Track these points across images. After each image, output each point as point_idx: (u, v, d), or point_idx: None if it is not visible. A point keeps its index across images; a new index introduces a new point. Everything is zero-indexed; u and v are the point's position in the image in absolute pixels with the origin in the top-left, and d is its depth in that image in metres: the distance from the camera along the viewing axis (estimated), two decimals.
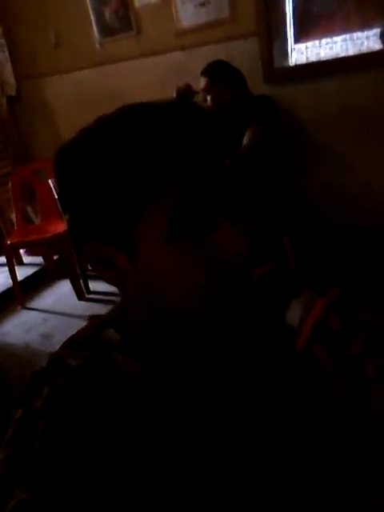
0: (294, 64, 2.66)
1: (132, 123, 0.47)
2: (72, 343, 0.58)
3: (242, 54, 2.55)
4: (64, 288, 3.16)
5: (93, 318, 0.61)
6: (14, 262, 3.13)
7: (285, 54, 2.66)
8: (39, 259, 3.52)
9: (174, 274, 0.47)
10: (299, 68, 2.61)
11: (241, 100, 2.40)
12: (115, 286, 0.54)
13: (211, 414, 0.53)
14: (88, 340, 0.56)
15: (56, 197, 2.88)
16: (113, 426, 0.49)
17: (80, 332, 0.60)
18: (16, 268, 3.15)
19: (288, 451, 0.55)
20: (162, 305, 0.50)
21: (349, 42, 2.53)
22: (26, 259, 3.61)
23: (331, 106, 2.53)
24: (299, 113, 2.61)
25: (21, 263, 3.55)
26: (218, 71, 2.38)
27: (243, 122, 2.36)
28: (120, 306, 0.58)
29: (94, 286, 3.05)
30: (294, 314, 0.46)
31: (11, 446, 0.48)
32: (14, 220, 3.27)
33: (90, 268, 3.19)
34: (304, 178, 2.72)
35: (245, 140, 2.35)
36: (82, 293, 3.03)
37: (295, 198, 2.66)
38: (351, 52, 2.49)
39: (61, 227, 2.92)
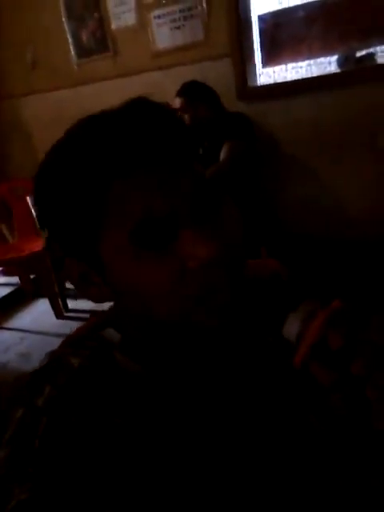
0: (264, 83, 2.76)
1: (82, 135, 0.45)
2: (72, 342, 0.58)
3: (216, 74, 2.63)
4: (41, 307, 3.11)
5: (93, 316, 0.60)
6: None
7: (257, 74, 2.76)
8: (15, 279, 3.47)
9: (143, 287, 0.45)
10: (271, 87, 2.71)
11: (216, 117, 2.47)
12: (100, 302, 0.52)
13: (210, 416, 0.52)
14: (88, 339, 0.56)
15: (34, 214, 2.88)
16: (114, 427, 0.49)
17: (79, 330, 0.60)
18: None
19: (290, 451, 0.54)
20: (144, 314, 0.49)
21: (313, 67, 2.66)
22: (2, 279, 3.55)
23: (303, 122, 2.62)
24: (273, 129, 2.69)
25: None
26: (193, 91, 2.45)
27: (219, 138, 2.42)
28: (120, 313, 0.57)
29: (73, 304, 3.02)
30: (291, 329, 0.45)
31: (11, 445, 0.47)
32: None
33: (68, 286, 3.16)
34: (279, 192, 2.78)
35: (222, 155, 2.41)
36: (60, 311, 2.98)
37: (270, 211, 2.72)
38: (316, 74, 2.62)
39: (38, 245, 2.89)
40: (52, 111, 3.20)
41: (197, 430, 0.51)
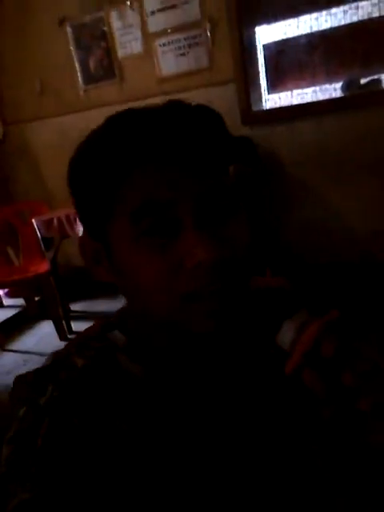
0: (269, 108, 2.81)
1: (115, 125, 0.48)
2: (78, 342, 0.58)
3: (221, 99, 2.68)
4: (45, 329, 3.10)
5: (101, 319, 0.61)
6: None
7: (261, 99, 2.81)
8: (20, 301, 3.47)
9: (140, 275, 0.47)
10: (275, 111, 2.76)
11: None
12: (105, 280, 0.54)
13: (205, 420, 0.53)
14: (94, 340, 0.56)
15: (39, 237, 2.90)
16: (115, 427, 0.49)
17: (86, 332, 0.60)
18: None
19: (282, 456, 0.54)
20: (141, 305, 0.50)
21: (318, 93, 2.71)
22: (7, 301, 3.55)
23: (307, 145, 2.65)
24: (277, 152, 2.73)
25: (1, 306, 3.49)
26: None
27: None
28: (126, 311, 0.58)
29: (77, 326, 3.00)
30: (285, 336, 0.45)
31: (14, 443, 0.47)
32: None
33: (72, 308, 3.16)
34: (283, 214, 2.80)
35: None
36: (64, 333, 2.97)
37: (274, 232, 2.73)
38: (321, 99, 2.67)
39: (43, 267, 2.91)
40: (58, 136, 3.26)
41: (192, 434, 0.51)
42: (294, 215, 2.80)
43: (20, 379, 0.55)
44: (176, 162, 0.45)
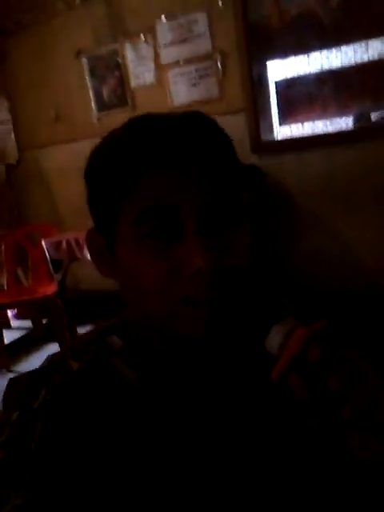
0: (279, 139, 2.86)
1: (122, 131, 0.50)
2: (75, 345, 0.59)
3: (231, 128, 2.67)
4: (52, 351, 3.10)
5: (100, 323, 0.61)
6: (0, 324, 3.10)
7: (271, 129, 2.86)
8: (28, 323, 3.48)
9: (140, 275, 0.47)
10: (285, 141, 2.80)
11: None
12: (108, 277, 0.55)
13: (198, 427, 0.52)
14: (91, 343, 0.56)
15: (48, 259, 2.94)
16: (107, 432, 0.49)
17: (86, 335, 0.61)
18: (4, 331, 3.11)
19: (275, 462, 0.54)
20: (139, 306, 0.51)
21: (329, 126, 2.75)
22: (15, 323, 3.57)
23: (316, 175, 2.68)
24: (286, 182, 2.76)
25: (9, 327, 3.50)
26: None
27: None
28: (126, 314, 0.58)
29: None
30: (273, 341, 0.45)
31: (6, 448, 0.47)
32: (5, 282, 3.28)
33: (79, 331, 3.16)
34: (290, 243, 2.81)
35: None
36: None
37: (282, 261, 2.74)
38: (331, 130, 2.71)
39: (51, 289, 2.93)
40: (71, 161, 3.33)
41: (182, 441, 0.51)
42: (301, 245, 2.80)
43: (14, 382, 0.55)
44: (183, 169, 0.46)
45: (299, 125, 2.82)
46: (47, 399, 0.50)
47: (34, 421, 0.49)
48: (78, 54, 3.11)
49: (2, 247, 3.23)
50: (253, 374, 0.55)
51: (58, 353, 0.58)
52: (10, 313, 3.53)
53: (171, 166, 0.46)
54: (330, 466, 0.52)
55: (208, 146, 0.48)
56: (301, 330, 0.43)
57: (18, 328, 3.48)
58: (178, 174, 0.46)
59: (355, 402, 0.40)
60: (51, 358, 0.57)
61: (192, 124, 0.49)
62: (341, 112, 2.71)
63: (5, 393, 0.54)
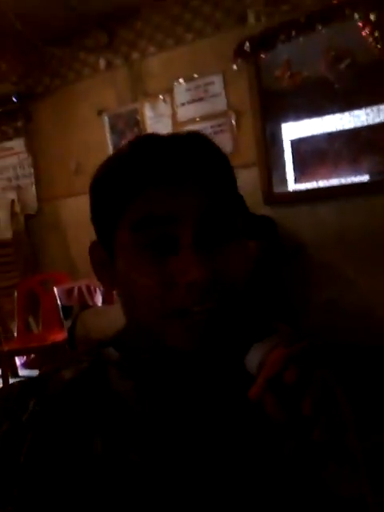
0: (291, 190, 2.92)
1: (123, 150, 0.52)
2: (70, 356, 0.58)
3: (244, 180, 2.79)
4: None
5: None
6: (8, 373, 3.05)
7: (284, 182, 2.93)
8: (35, 373, 3.42)
9: (136, 285, 0.48)
10: (296, 193, 2.86)
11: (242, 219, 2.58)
12: (108, 287, 0.55)
13: (184, 443, 0.50)
14: (86, 354, 0.56)
15: (59, 306, 2.94)
16: (98, 444, 0.48)
17: (82, 348, 0.60)
18: (10, 380, 3.05)
19: (250, 482, 0.51)
20: (134, 316, 0.51)
21: (342, 182, 2.80)
22: (22, 372, 3.51)
23: (329, 227, 2.70)
24: (299, 232, 2.78)
25: (16, 375, 3.44)
26: None
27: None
28: (124, 327, 0.59)
29: None
30: (252, 359, 0.45)
31: None
32: (15, 329, 3.27)
33: None
34: (302, 293, 2.77)
35: None
36: None
37: (294, 312, 2.69)
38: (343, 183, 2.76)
39: (60, 336, 2.91)
40: (87, 212, 3.37)
41: (167, 453, 0.49)
42: (314, 295, 2.77)
43: (5, 391, 0.55)
44: (180, 184, 0.48)
45: (314, 182, 2.88)
46: (36, 410, 0.50)
47: (23, 434, 0.48)
48: (100, 112, 3.30)
49: (15, 294, 3.26)
50: (234, 391, 0.53)
51: (53, 364, 0.58)
52: (18, 361, 3.49)
53: (169, 182, 0.48)
54: (307, 489, 0.49)
55: (205, 164, 0.50)
56: (279, 349, 0.43)
57: (25, 377, 3.41)
58: (174, 187, 0.48)
59: (325, 425, 0.39)
60: (45, 368, 0.56)
61: (191, 143, 0.51)
62: (354, 169, 2.76)
63: (2, 401, 0.53)
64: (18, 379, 3.37)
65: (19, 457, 0.47)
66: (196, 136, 0.52)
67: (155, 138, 0.52)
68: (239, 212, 0.52)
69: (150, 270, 0.47)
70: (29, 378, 0.55)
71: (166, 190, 0.47)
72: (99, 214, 0.53)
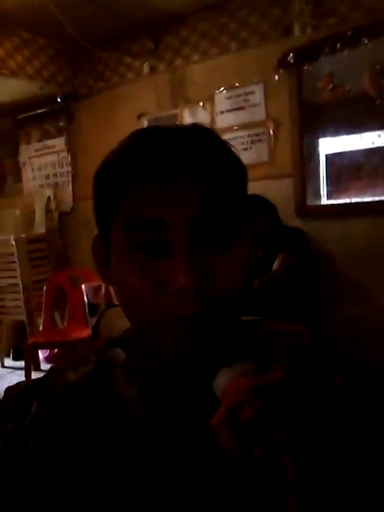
0: (324, 204, 2.88)
1: (121, 144, 0.49)
2: (77, 356, 0.58)
3: (278, 191, 2.79)
4: None
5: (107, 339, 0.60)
6: (31, 366, 3.10)
7: (317, 196, 2.89)
8: None
9: (127, 286, 0.46)
10: (329, 207, 2.82)
11: (273, 229, 2.56)
12: (107, 284, 0.55)
13: (195, 452, 0.48)
14: (93, 355, 0.55)
15: (86, 303, 2.98)
16: (101, 450, 0.47)
17: (90, 348, 0.59)
18: (32, 373, 3.10)
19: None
20: (128, 316, 0.49)
21: (376, 199, 2.74)
22: (44, 366, 3.56)
23: (360, 244, 2.64)
24: (328, 247, 2.73)
25: (38, 369, 3.49)
26: (252, 204, 2.59)
27: (275, 249, 2.48)
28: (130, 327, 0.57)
29: None
30: (218, 385, 0.43)
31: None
32: (41, 323, 3.33)
33: None
34: (327, 307, 2.72)
35: (275, 265, 2.45)
36: None
37: (317, 325, 2.63)
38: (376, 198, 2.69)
39: (85, 333, 2.94)
40: None
41: (170, 461, 0.47)
42: (339, 311, 2.71)
43: (10, 391, 0.54)
44: (174, 182, 0.45)
45: (347, 199, 2.83)
46: (39, 413, 0.49)
47: (27, 436, 0.48)
48: (140, 116, 3.35)
49: (44, 289, 3.32)
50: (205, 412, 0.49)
51: (60, 364, 0.58)
52: (41, 355, 3.54)
53: (162, 178, 0.45)
54: None
55: (205, 157, 0.46)
56: (241, 380, 0.41)
57: (47, 370, 3.46)
58: (166, 186, 0.45)
59: (269, 479, 0.38)
60: (50, 370, 0.56)
61: (192, 136, 0.47)
62: None
63: (2, 401, 0.54)
64: (39, 373, 3.42)
65: (23, 460, 0.47)
66: (199, 129, 0.49)
67: (156, 130, 0.49)
68: (243, 211, 0.49)
69: (140, 272, 0.45)
70: (33, 379, 0.55)
71: (156, 190, 0.45)
72: (98, 209, 0.51)
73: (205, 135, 0.48)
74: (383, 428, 0.53)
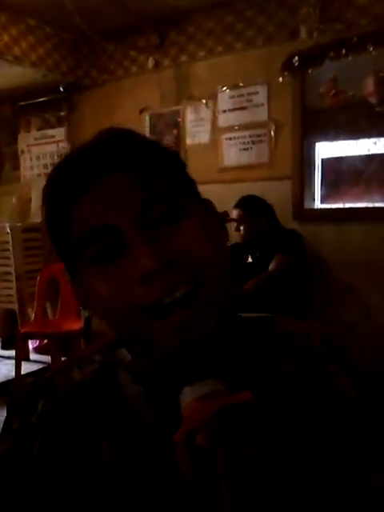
0: (321, 207, 2.90)
1: (57, 166, 0.49)
2: (83, 354, 0.58)
3: (276, 192, 2.81)
4: None
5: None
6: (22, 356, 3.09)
7: (314, 199, 2.91)
8: (47, 358, 3.46)
9: (98, 303, 0.45)
10: (326, 211, 2.84)
11: (270, 231, 2.57)
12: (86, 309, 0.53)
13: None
14: (98, 354, 0.55)
15: None
16: (106, 450, 0.47)
17: (95, 345, 0.59)
18: (22, 363, 3.09)
19: None
20: (120, 333, 0.49)
21: (370, 204, 2.77)
22: (34, 357, 3.55)
23: (355, 247, 2.67)
24: (324, 250, 2.75)
25: (27, 359, 3.48)
26: (250, 204, 2.60)
27: (271, 250, 2.50)
28: None
29: None
30: (182, 402, 0.41)
31: (6, 461, 0.48)
32: (32, 314, 3.31)
33: None
34: (321, 311, 2.74)
35: (271, 266, 2.46)
36: None
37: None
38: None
39: (76, 325, 2.93)
40: None
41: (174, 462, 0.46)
42: (333, 315, 2.73)
43: (17, 388, 0.54)
44: (105, 188, 0.44)
45: (341, 204, 2.85)
46: (45, 411, 0.49)
47: (32, 435, 0.48)
48: (142, 110, 3.35)
49: (38, 279, 3.30)
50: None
51: (64, 362, 0.58)
52: (31, 345, 3.53)
53: (91, 190, 0.45)
54: None
55: (123, 157, 0.46)
56: (199, 404, 0.39)
57: (36, 361, 3.45)
58: (97, 194, 0.44)
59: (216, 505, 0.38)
60: (56, 367, 0.56)
61: (106, 140, 0.48)
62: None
63: (9, 398, 0.54)
64: (29, 363, 3.41)
65: (29, 458, 0.47)
66: (113, 130, 0.49)
67: (72, 153, 0.49)
68: (184, 192, 0.48)
69: (106, 280, 0.44)
70: (39, 376, 0.54)
71: (92, 200, 0.44)
72: (57, 250, 0.49)
73: (120, 134, 0.48)
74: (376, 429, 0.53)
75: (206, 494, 0.39)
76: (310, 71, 2.74)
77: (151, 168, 0.46)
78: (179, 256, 0.42)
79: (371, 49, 2.48)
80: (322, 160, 2.92)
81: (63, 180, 0.46)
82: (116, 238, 0.44)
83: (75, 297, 0.51)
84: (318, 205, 2.93)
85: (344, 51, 2.53)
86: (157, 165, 0.47)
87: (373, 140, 2.74)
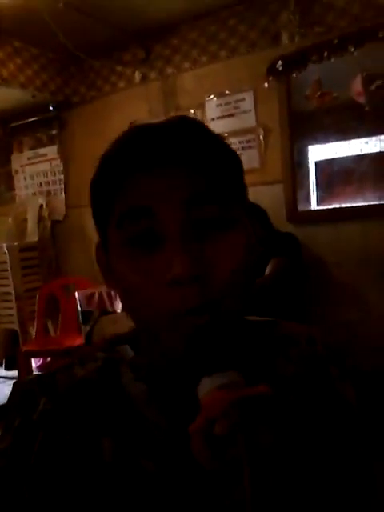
0: (316, 209, 2.91)
1: (120, 137, 0.49)
2: (85, 351, 0.57)
3: (269, 197, 2.82)
4: None
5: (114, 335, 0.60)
6: (25, 375, 3.08)
7: (308, 201, 2.92)
8: None
9: (124, 285, 0.46)
10: (320, 212, 2.84)
11: (265, 235, 2.58)
12: (114, 291, 0.52)
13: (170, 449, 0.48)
14: (101, 351, 0.55)
15: (79, 311, 2.97)
16: (108, 448, 0.47)
17: (97, 343, 0.59)
18: None
19: None
20: (133, 318, 0.49)
21: (366, 204, 2.77)
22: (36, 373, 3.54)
23: (352, 247, 2.67)
24: (320, 251, 2.75)
25: None
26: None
27: (267, 254, 2.50)
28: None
29: None
30: (200, 392, 0.42)
31: (7, 458, 0.48)
32: (34, 332, 3.31)
33: None
34: (319, 311, 2.73)
35: (267, 270, 2.46)
36: None
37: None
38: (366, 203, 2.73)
39: (78, 341, 2.93)
40: None
41: (177, 462, 0.47)
42: (332, 316, 2.72)
43: (19, 386, 0.54)
44: (162, 172, 0.44)
45: (336, 205, 2.86)
46: (46, 408, 0.49)
47: (34, 433, 0.48)
48: (132, 123, 3.37)
49: (37, 297, 3.31)
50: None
51: (66, 360, 0.57)
52: (34, 364, 3.52)
53: (150, 171, 0.45)
54: None
55: (190, 148, 0.45)
56: (218, 393, 0.40)
57: None
58: (153, 177, 0.44)
59: (232, 493, 0.38)
60: (59, 365, 0.56)
61: (178, 128, 0.47)
62: (378, 192, 2.73)
63: (10, 396, 0.54)
64: None
65: (30, 456, 0.47)
66: (185, 120, 0.48)
67: (145, 126, 0.48)
68: (237, 199, 0.48)
69: (137, 268, 0.44)
70: (41, 374, 0.55)
71: (145, 181, 0.44)
72: (94, 211, 0.51)
73: (191, 126, 0.48)
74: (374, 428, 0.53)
75: (219, 485, 0.39)
76: (294, 75, 2.76)
77: (210, 168, 0.45)
78: (211, 272, 0.43)
79: (352, 50, 2.50)
80: (316, 163, 2.94)
81: (129, 148, 0.46)
82: (156, 227, 0.44)
83: (97, 261, 0.53)
84: (312, 206, 2.93)
85: (326, 53, 2.55)
86: (217, 166, 0.46)
87: (364, 140, 2.75)
